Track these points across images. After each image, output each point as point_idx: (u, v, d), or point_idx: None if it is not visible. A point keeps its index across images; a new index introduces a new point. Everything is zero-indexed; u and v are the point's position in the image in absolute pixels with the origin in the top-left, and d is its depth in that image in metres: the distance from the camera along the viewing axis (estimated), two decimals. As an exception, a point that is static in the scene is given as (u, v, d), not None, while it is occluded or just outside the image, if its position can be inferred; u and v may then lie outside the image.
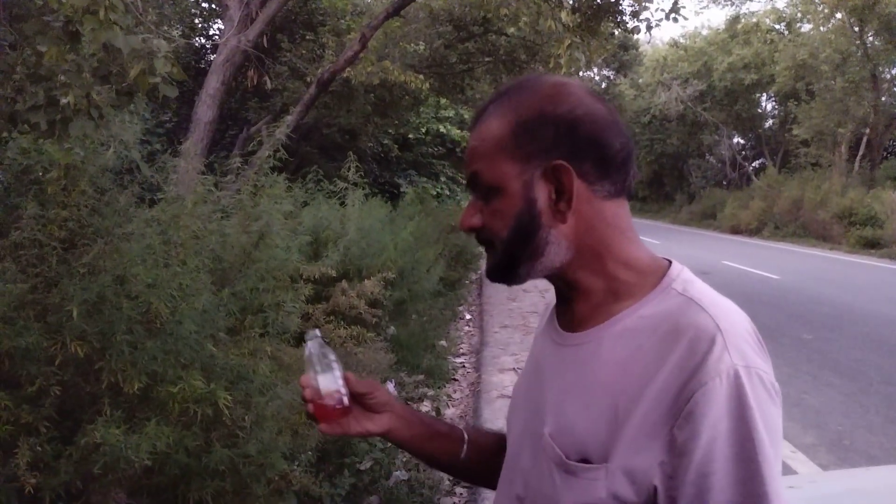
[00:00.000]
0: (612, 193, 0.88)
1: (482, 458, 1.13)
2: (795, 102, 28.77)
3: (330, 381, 1.03)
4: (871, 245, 19.26)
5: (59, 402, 2.04)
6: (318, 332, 1.10)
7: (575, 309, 0.92)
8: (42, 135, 1.98)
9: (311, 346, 1.06)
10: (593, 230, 0.88)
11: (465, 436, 1.14)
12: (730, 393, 0.75)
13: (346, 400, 1.04)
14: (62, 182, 2.44)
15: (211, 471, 2.14)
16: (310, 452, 3.04)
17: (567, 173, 0.85)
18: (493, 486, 1.05)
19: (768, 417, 0.77)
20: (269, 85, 7.79)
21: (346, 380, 1.05)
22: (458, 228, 9.97)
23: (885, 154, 27.69)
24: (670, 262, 0.90)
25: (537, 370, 0.98)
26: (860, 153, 26.57)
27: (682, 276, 0.88)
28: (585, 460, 0.82)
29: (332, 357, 1.06)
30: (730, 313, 0.82)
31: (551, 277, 0.93)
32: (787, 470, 3.89)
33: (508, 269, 0.91)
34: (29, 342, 1.98)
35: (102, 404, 2.02)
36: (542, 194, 0.87)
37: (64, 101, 1.93)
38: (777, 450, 0.77)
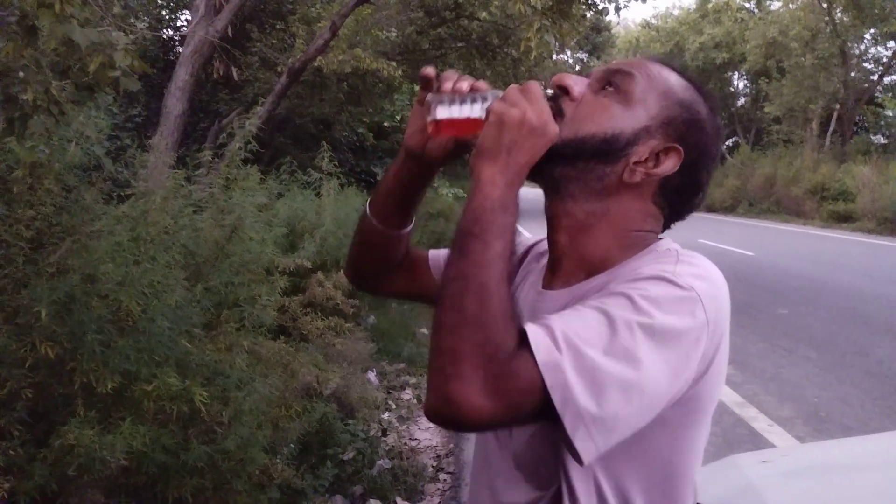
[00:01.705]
0: (660, 219, 0.91)
1: (389, 246, 1.10)
2: (767, 80, 29.02)
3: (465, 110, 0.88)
4: (843, 219, 19.56)
5: (32, 404, 2.00)
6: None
7: (558, 274, 0.92)
8: (1, 133, 1.94)
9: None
10: (625, 219, 0.88)
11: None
12: (652, 281, 0.76)
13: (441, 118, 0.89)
14: (28, 181, 2.39)
15: (190, 468, 2.12)
16: (291, 445, 3.03)
17: (676, 162, 0.86)
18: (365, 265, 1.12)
19: (672, 329, 0.73)
20: (236, 76, 7.68)
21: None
22: (436, 215, 9.88)
23: (855, 129, 28.05)
24: (661, 238, 0.91)
25: None
26: (831, 128, 26.90)
27: (668, 244, 0.88)
28: None
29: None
30: (702, 263, 0.82)
31: (556, 230, 0.90)
32: (765, 443, 3.95)
33: (552, 161, 0.86)
34: (-2, 345, 1.95)
35: (76, 405, 1.99)
36: (643, 149, 0.86)
37: (23, 97, 1.88)
38: (657, 363, 0.72)
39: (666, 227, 0.92)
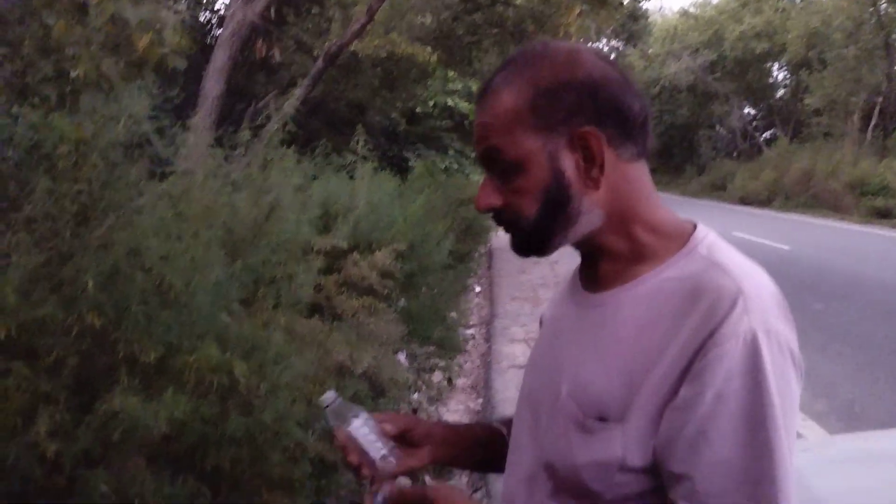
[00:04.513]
0: (634, 156, 0.88)
1: None
2: (808, 71, 28.37)
3: (371, 450, 0.96)
4: (882, 215, 19.10)
5: (77, 372, 2.06)
6: (332, 394, 1.00)
7: (598, 271, 0.91)
8: (53, 107, 1.99)
9: (330, 418, 0.98)
10: (620, 195, 0.87)
11: (504, 430, 1.12)
12: (745, 354, 0.74)
13: (394, 460, 0.97)
14: (73, 157, 2.45)
15: (227, 439, 2.17)
16: (323, 422, 3.08)
17: (596, 139, 0.83)
18: None
19: (784, 384, 0.75)
20: (277, 57, 7.74)
21: (381, 434, 0.98)
22: (467, 202, 9.87)
23: (898, 123, 27.34)
24: (696, 225, 0.89)
25: (555, 332, 0.97)
26: (873, 122, 26.21)
27: (708, 239, 0.87)
28: (603, 419, 0.81)
29: (359, 420, 0.97)
30: (754, 277, 0.81)
31: (578, 242, 0.92)
32: (797, 436, 3.91)
33: (540, 244, 0.89)
34: (45, 313, 2.01)
35: (119, 374, 2.04)
36: (569, 164, 0.85)
37: (73, 73, 1.92)
38: (790, 420, 0.76)
39: (642, 154, 0.89)
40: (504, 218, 0.89)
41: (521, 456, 0.95)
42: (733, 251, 0.86)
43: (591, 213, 0.86)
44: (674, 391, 0.77)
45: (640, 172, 0.89)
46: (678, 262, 0.85)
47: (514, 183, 0.86)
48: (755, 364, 0.74)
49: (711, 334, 0.76)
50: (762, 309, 0.77)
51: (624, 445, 0.79)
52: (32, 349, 2.04)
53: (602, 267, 0.91)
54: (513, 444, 1.00)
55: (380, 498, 0.90)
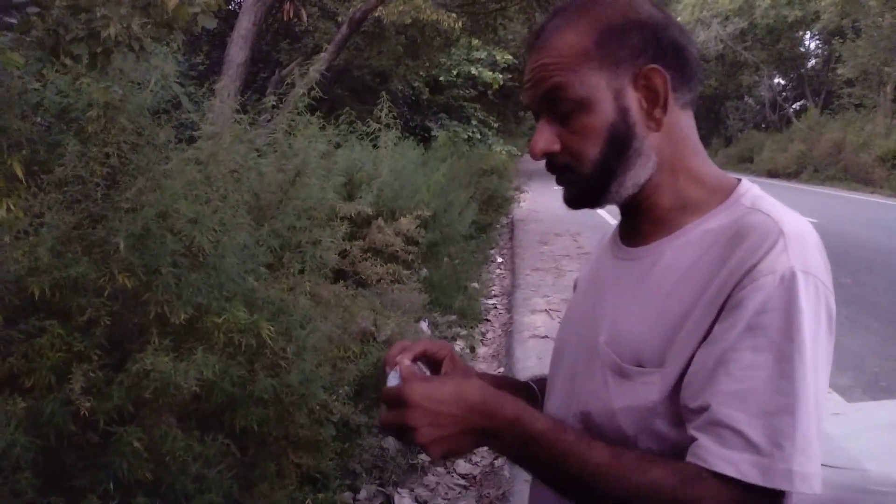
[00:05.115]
0: (688, 103, 0.88)
1: None
2: (841, 40, 27.66)
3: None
4: (914, 189, 18.72)
5: (109, 331, 2.10)
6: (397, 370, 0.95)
7: (640, 226, 0.91)
8: (85, 67, 2.00)
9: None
10: (672, 141, 0.87)
11: (536, 388, 1.12)
12: (781, 290, 0.74)
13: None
14: (102, 120, 2.46)
15: (255, 399, 2.21)
16: (347, 387, 3.12)
17: (661, 77, 0.83)
18: None
19: (817, 327, 0.74)
20: (304, 20, 7.70)
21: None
22: (490, 172, 9.77)
23: (933, 95, 26.59)
24: (740, 179, 0.89)
25: (593, 287, 0.97)
26: (907, 93, 25.56)
27: (752, 192, 0.86)
28: (640, 366, 0.82)
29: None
30: (798, 223, 0.80)
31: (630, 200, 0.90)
32: (822, 409, 3.88)
33: (600, 190, 0.88)
34: (78, 273, 2.04)
35: (150, 334, 2.08)
36: (633, 102, 0.84)
37: (105, 33, 1.93)
38: (820, 361, 0.75)
39: (693, 103, 0.89)
40: (560, 162, 0.88)
41: (554, 409, 0.96)
42: (778, 202, 0.85)
43: (647, 157, 0.86)
44: (710, 330, 0.77)
45: (691, 121, 0.89)
46: (721, 213, 0.85)
47: (576, 123, 0.85)
48: (790, 300, 0.73)
49: (749, 270, 0.76)
50: (803, 251, 0.77)
51: (661, 390, 0.79)
52: (66, 308, 2.08)
53: (644, 221, 0.90)
54: (546, 398, 1.01)
55: (396, 372, 0.87)
